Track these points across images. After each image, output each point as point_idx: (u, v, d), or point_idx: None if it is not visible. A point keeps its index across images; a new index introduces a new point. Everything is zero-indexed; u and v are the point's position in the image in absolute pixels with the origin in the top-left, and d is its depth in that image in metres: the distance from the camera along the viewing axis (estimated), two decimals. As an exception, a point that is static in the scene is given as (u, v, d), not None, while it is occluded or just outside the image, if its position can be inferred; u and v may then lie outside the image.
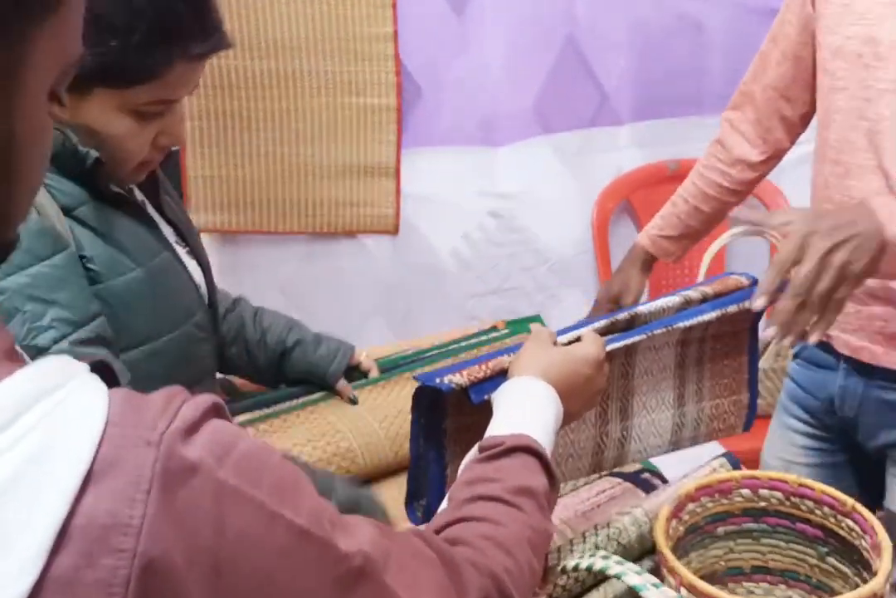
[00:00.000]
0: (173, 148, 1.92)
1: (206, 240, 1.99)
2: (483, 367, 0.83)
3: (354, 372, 1.35)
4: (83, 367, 0.45)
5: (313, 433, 1.21)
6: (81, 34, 0.48)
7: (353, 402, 1.29)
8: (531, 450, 0.70)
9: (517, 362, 0.81)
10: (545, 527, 0.68)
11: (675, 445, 1.03)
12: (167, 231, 1.05)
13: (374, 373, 1.35)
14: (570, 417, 0.79)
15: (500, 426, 0.74)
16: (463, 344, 1.50)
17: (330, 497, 0.92)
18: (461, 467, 0.74)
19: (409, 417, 0.96)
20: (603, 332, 0.90)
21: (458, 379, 0.82)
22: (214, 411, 0.46)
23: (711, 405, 1.03)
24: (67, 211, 0.88)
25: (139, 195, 1.04)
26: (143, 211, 1.00)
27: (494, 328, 1.57)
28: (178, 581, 0.38)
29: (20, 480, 0.35)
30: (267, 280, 2.03)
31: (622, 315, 0.92)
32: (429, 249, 2.06)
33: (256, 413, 1.26)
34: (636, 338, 0.91)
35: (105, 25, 0.80)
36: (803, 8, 1.23)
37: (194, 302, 1.02)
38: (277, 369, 1.29)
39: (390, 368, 1.39)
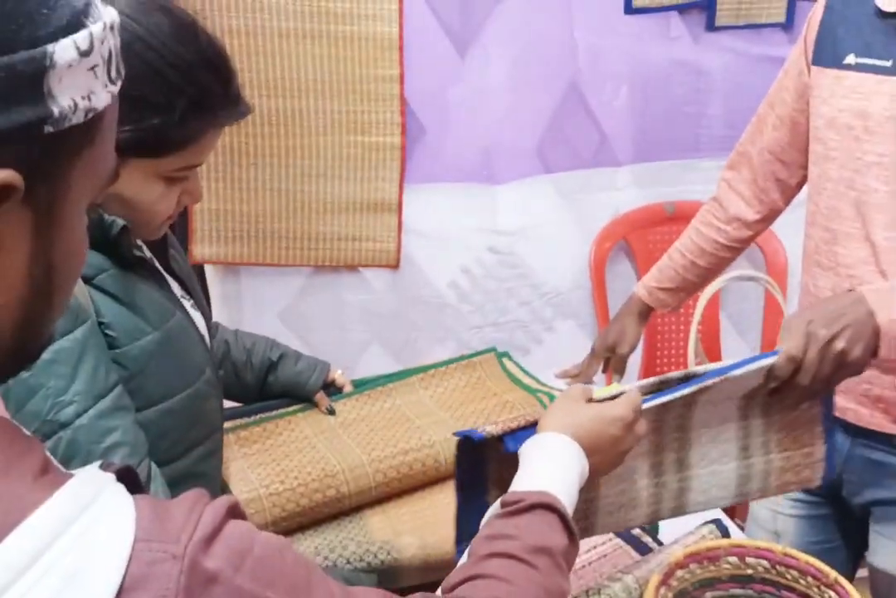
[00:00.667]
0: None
1: (209, 271, 2.03)
2: (519, 418, 0.86)
3: (330, 388, 1.48)
4: (110, 478, 0.47)
5: (294, 454, 1.31)
6: (114, 146, 0.50)
7: (331, 412, 1.42)
8: (552, 507, 0.71)
9: (547, 416, 0.82)
10: (561, 587, 0.69)
11: (742, 496, 1.01)
12: (175, 287, 1.07)
13: (347, 388, 1.49)
14: (595, 474, 0.81)
15: (523, 481, 0.76)
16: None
17: None
18: (484, 519, 0.75)
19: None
20: (653, 389, 0.91)
21: (492, 429, 0.85)
22: (231, 514, 0.48)
23: (781, 457, 1.01)
24: (88, 279, 0.90)
25: (147, 253, 1.06)
26: (156, 272, 1.02)
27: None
28: None
29: None
30: (268, 310, 2.06)
31: (676, 374, 0.93)
32: (428, 283, 2.09)
33: (238, 422, 1.39)
34: (684, 392, 0.89)
35: (145, 105, 0.84)
36: (800, 77, 1.27)
37: (204, 359, 1.04)
38: (262, 385, 1.39)
39: (364, 384, 1.53)
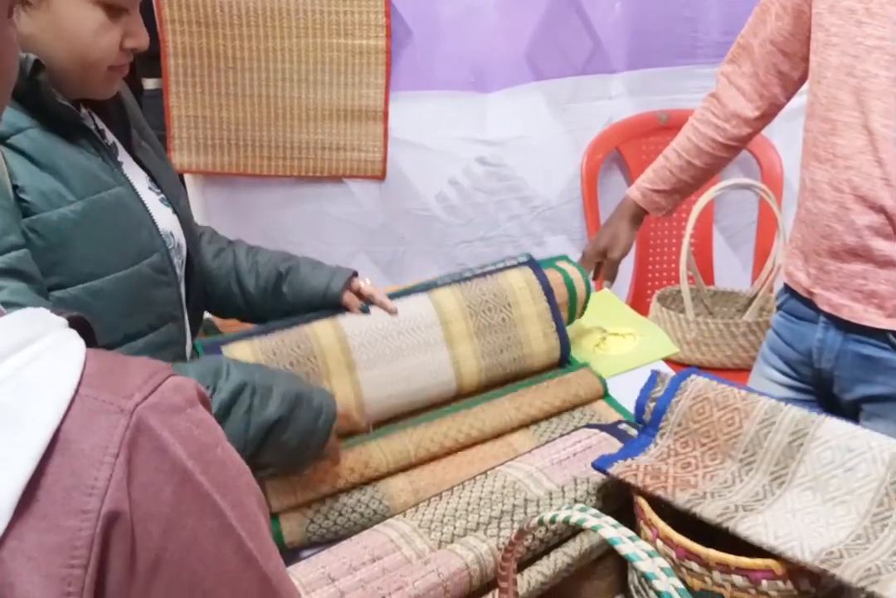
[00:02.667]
0: (156, 85, 1.88)
1: (188, 181, 1.97)
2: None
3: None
4: (60, 321, 0.43)
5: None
6: None
7: (364, 311, 1.19)
8: None
9: None
10: None
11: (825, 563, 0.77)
12: (137, 176, 1.03)
13: (378, 297, 1.20)
14: None
15: None
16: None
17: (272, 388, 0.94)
18: None
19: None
20: None
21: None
22: (201, 401, 0.44)
23: None
24: (2, 139, 0.85)
25: (110, 137, 1.02)
26: (99, 143, 0.97)
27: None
28: (133, 546, 0.38)
29: None
30: (250, 222, 2.01)
31: None
32: (415, 195, 2.04)
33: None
34: None
35: None
36: (804, -39, 1.21)
37: (149, 243, 0.98)
38: (272, 299, 1.19)
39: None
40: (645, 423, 0.98)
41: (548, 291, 1.28)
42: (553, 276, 1.31)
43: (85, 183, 0.91)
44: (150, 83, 1.97)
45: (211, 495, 0.40)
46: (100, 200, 0.92)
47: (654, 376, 1.01)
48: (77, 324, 0.45)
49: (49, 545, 0.35)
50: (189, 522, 0.39)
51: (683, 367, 1.79)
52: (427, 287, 1.28)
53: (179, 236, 1.08)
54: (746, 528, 0.79)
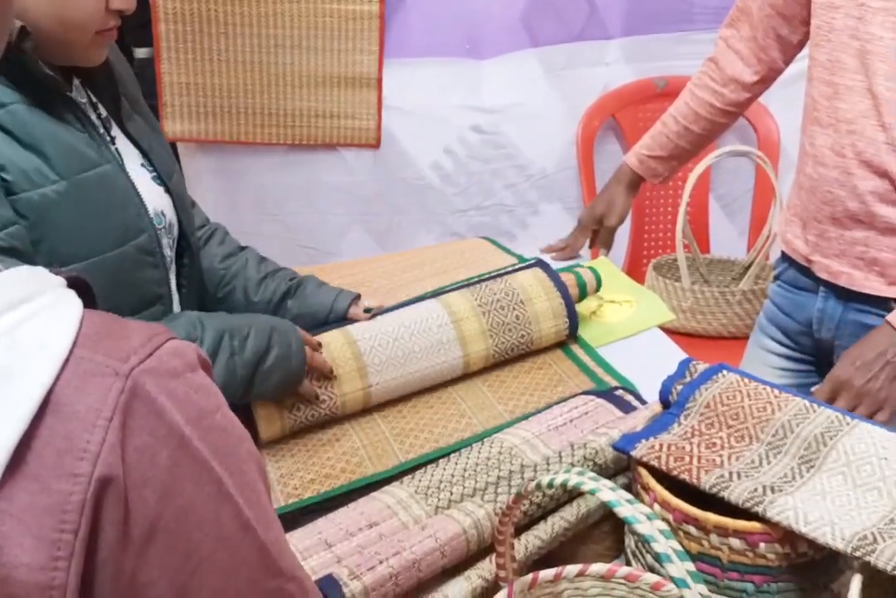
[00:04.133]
0: (147, 54, 1.85)
1: (181, 149, 1.95)
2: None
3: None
4: (58, 281, 0.42)
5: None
6: None
7: (367, 311, 1.20)
8: None
9: None
10: None
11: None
12: (128, 152, 1.00)
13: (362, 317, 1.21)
14: None
15: None
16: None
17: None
18: None
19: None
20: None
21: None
22: (201, 366, 0.43)
23: None
24: None
25: (103, 111, 0.99)
26: (89, 120, 0.94)
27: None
28: (127, 512, 0.37)
29: None
30: (243, 191, 1.99)
31: None
32: (410, 163, 2.02)
33: None
34: None
35: None
36: (806, -81, 1.18)
37: (135, 223, 0.96)
38: (274, 312, 1.19)
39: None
40: (669, 404, 0.96)
41: (560, 286, 1.26)
42: (566, 277, 1.29)
43: (69, 162, 0.88)
44: (140, 52, 1.94)
45: (209, 461, 0.39)
46: (84, 180, 0.89)
47: (685, 366, 0.97)
48: (76, 285, 0.44)
49: (39, 508, 0.34)
50: (186, 488, 0.38)
51: (679, 335, 1.80)
52: (436, 293, 1.27)
53: (171, 216, 1.05)
54: (777, 512, 0.77)
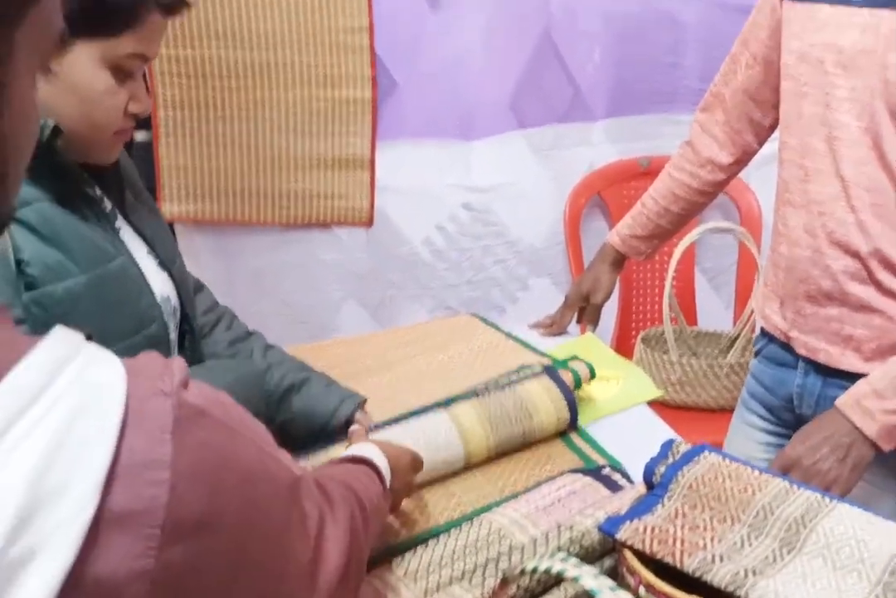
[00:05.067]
0: (145, 138, 1.92)
1: (179, 230, 2.00)
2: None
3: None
4: (81, 336, 0.48)
5: None
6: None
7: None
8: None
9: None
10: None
11: None
12: (134, 241, 1.04)
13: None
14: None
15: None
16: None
17: None
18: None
19: None
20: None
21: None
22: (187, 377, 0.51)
23: None
24: None
25: (108, 204, 1.03)
26: (102, 213, 0.99)
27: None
28: (201, 505, 0.44)
29: (71, 430, 0.40)
30: (240, 270, 2.03)
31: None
32: (403, 240, 2.07)
33: None
34: None
35: None
36: (773, 13, 1.25)
37: (148, 313, 0.99)
38: (275, 406, 1.16)
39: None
40: (653, 485, 0.98)
41: (566, 393, 1.25)
42: (564, 375, 1.29)
43: (89, 255, 0.91)
44: (139, 135, 2.00)
45: (244, 432, 0.50)
46: (104, 273, 0.92)
47: (667, 447, 0.99)
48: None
49: (136, 511, 0.41)
50: (242, 456, 0.48)
51: (669, 408, 1.81)
52: (445, 403, 1.24)
53: (175, 300, 1.08)
54: (759, 596, 0.78)
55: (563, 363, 1.35)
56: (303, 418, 1.16)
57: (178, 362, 0.49)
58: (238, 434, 0.49)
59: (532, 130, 2.06)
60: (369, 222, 2.03)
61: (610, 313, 2.02)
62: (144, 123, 1.95)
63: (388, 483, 0.88)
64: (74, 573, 0.37)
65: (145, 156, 1.92)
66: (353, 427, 1.13)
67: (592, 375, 1.33)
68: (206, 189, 1.95)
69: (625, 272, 1.64)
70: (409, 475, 0.98)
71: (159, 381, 0.46)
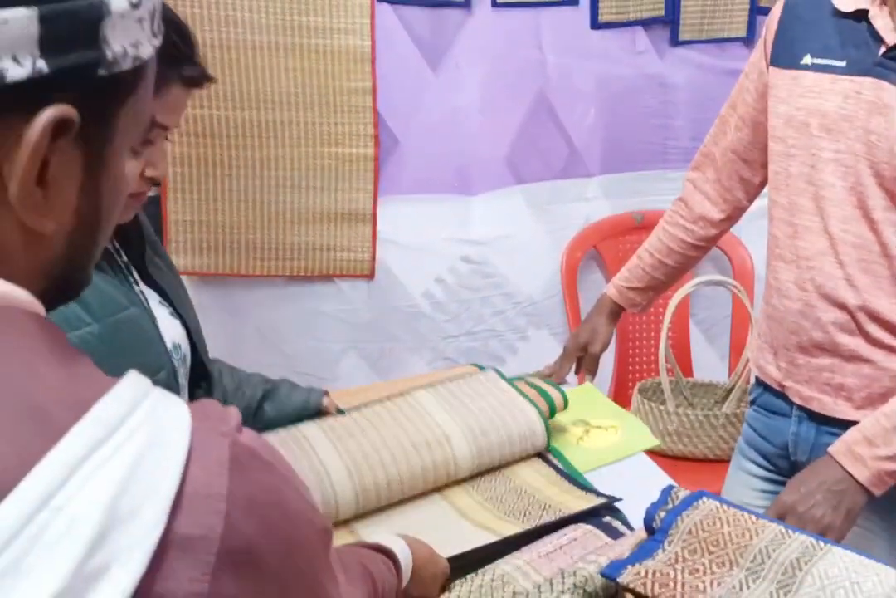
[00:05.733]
0: (153, 193, 1.97)
1: (184, 282, 2.04)
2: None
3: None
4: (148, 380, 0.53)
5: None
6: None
7: (341, 412, 1.32)
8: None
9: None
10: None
11: None
12: (148, 292, 1.08)
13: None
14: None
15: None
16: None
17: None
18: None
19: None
20: None
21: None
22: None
23: None
24: None
25: (124, 257, 1.07)
26: (118, 266, 1.03)
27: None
28: (250, 536, 0.46)
29: (144, 459, 0.43)
30: (244, 321, 2.07)
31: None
32: (403, 293, 2.12)
33: None
34: None
35: None
36: (760, 78, 1.32)
37: (157, 360, 1.03)
38: (253, 417, 1.29)
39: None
40: (654, 530, 1.00)
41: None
42: (536, 398, 1.35)
43: (103, 305, 0.95)
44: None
45: (291, 478, 0.52)
46: (117, 322, 0.96)
47: (667, 493, 1.03)
48: None
49: (196, 537, 0.43)
50: (290, 498, 0.50)
51: (666, 458, 1.84)
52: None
53: (186, 348, 1.12)
54: None
55: (535, 387, 1.39)
56: (277, 420, 1.28)
57: (233, 410, 0.53)
58: (283, 476, 0.51)
59: (529, 186, 2.12)
60: (371, 274, 2.08)
61: (607, 364, 2.06)
62: (153, 178, 2.01)
63: (404, 580, 0.89)
64: (142, 589, 0.41)
65: (153, 210, 1.98)
66: (326, 403, 1.31)
67: (565, 400, 1.38)
68: (211, 243, 2.00)
69: (621, 324, 1.68)
70: (432, 586, 0.98)
71: (219, 422, 0.49)
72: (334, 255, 2.06)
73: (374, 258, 2.07)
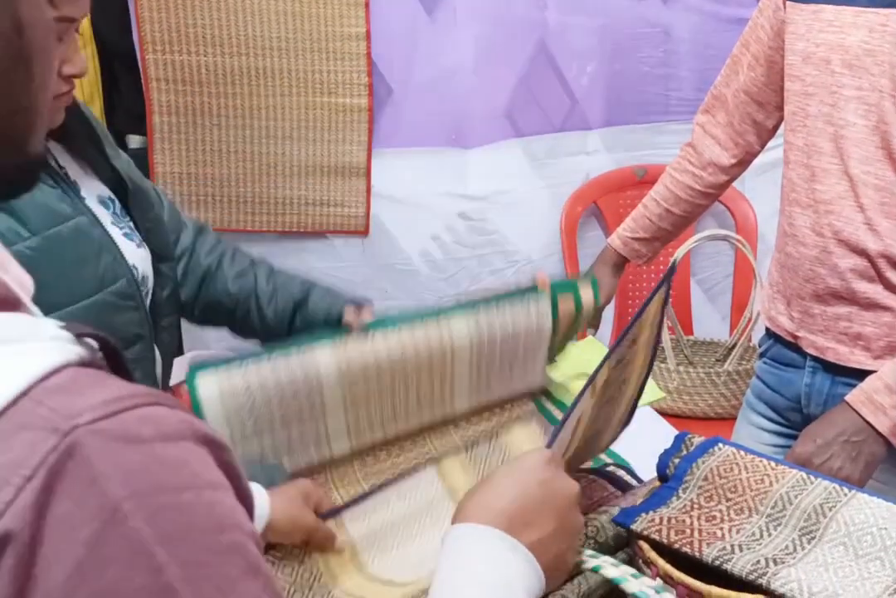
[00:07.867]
0: (140, 144, 1.90)
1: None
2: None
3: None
4: (54, 334, 0.40)
5: None
6: None
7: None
8: None
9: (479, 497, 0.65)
10: None
11: None
12: (98, 209, 1.02)
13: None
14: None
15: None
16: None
17: None
18: None
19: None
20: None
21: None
22: (202, 440, 0.38)
23: None
24: None
25: (73, 174, 1.01)
26: (58, 175, 0.97)
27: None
28: (27, 582, 0.33)
29: None
30: (234, 279, 2.01)
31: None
32: (399, 250, 2.06)
33: None
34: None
35: None
36: (775, 13, 1.26)
37: (113, 270, 0.99)
38: (288, 327, 1.19)
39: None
40: (667, 478, 0.96)
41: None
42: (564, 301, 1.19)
43: (41, 218, 0.91)
44: (134, 141, 1.99)
45: (149, 545, 0.34)
46: (57, 235, 0.92)
47: (681, 439, 0.98)
48: (106, 348, 0.43)
49: None
50: (109, 572, 0.33)
51: (667, 416, 1.80)
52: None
53: (145, 270, 1.07)
54: (781, 584, 0.77)
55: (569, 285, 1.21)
56: (308, 328, 1.16)
57: (165, 413, 0.38)
58: (136, 547, 0.34)
59: (528, 139, 2.06)
60: (365, 231, 2.02)
61: (607, 321, 2.01)
62: (139, 128, 1.94)
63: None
64: None
65: (140, 163, 1.91)
66: (349, 317, 1.14)
67: (596, 300, 1.24)
68: (200, 196, 1.94)
69: (621, 280, 1.63)
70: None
71: (68, 415, 0.35)
72: (327, 210, 1.99)
73: (368, 214, 2.01)
